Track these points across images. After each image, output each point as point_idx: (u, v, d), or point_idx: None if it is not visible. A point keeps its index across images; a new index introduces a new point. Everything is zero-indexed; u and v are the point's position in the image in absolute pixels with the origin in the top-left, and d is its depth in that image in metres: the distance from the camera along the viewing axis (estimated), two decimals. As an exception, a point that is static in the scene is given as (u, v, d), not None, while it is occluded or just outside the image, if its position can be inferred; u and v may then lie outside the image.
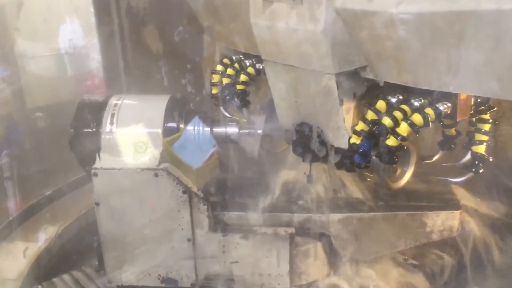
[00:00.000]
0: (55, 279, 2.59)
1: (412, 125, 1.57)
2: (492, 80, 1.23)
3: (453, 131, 1.98)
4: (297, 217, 2.31)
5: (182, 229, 2.30)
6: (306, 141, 1.90)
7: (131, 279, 2.42)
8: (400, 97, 1.65)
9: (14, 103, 4.18)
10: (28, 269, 2.55)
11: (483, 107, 1.84)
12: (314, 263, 2.34)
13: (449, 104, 1.60)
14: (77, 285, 2.55)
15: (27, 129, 4.12)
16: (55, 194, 3.27)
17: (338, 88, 1.64)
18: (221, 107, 2.43)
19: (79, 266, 2.70)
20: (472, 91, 1.36)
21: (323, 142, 1.85)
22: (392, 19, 1.33)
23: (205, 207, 2.28)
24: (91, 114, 2.36)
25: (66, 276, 2.61)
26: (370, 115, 1.68)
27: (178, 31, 2.82)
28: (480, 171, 1.92)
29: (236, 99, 2.30)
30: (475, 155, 1.91)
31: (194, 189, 2.26)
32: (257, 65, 2.22)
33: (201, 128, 2.40)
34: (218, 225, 2.35)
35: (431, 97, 1.61)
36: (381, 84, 1.64)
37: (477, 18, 1.16)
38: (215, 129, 2.42)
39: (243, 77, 2.26)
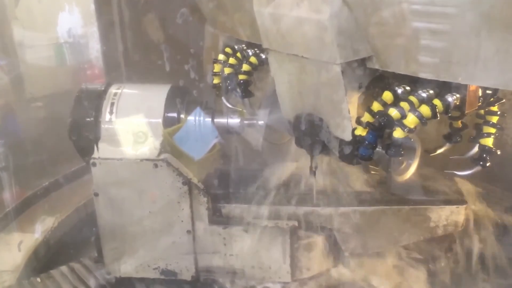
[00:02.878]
0: (53, 271, 2.56)
1: (420, 116, 1.53)
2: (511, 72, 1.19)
3: (459, 123, 1.94)
4: (299, 210, 2.28)
5: (182, 221, 2.26)
6: (312, 133, 1.86)
7: (130, 270, 2.40)
8: (407, 88, 1.61)
9: (13, 92, 4.16)
10: (25, 261, 2.53)
11: (492, 99, 1.80)
12: (316, 257, 2.31)
13: (458, 95, 1.55)
14: (75, 277, 2.52)
15: (26, 119, 4.10)
16: (54, 185, 3.24)
17: (343, 78, 1.59)
18: (223, 98, 2.39)
19: (77, 257, 2.67)
20: (488, 83, 1.32)
21: (329, 135, 1.82)
22: (403, 8, 1.29)
23: (206, 199, 2.25)
24: (90, 103, 2.33)
25: (64, 268, 2.58)
26: (376, 106, 1.64)
27: (179, 20, 2.78)
28: (488, 164, 1.89)
29: (238, 90, 2.26)
30: (483, 148, 1.88)
31: (195, 180, 2.23)
32: (260, 55, 2.17)
33: (202, 118, 2.36)
34: (219, 218, 2.32)
35: (439, 88, 1.57)
36: (388, 74, 1.60)
37: (494, 7, 1.12)
38: (216, 120, 2.38)
39: (245, 67, 2.22)
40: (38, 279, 2.50)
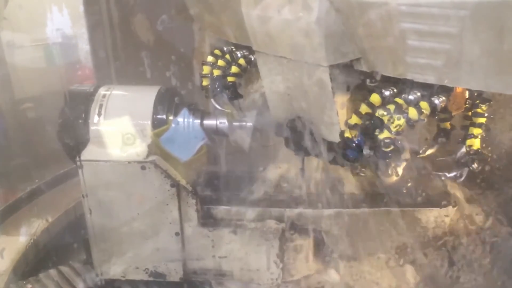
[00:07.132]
0: (41, 275, 2.54)
1: (407, 119, 1.53)
2: (495, 74, 1.19)
3: (447, 124, 1.94)
4: (288, 212, 2.28)
5: (170, 223, 2.26)
6: (300, 136, 1.86)
7: (119, 272, 2.39)
8: (395, 90, 1.61)
9: (2, 93, 4.13)
10: (13, 264, 2.50)
11: (478, 101, 1.80)
12: (305, 258, 2.30)
13: (444, 98, 1.56)
14: (64, 280, 2.50)
15: (16, 120, 4.08)
16: (44, 186, 3.22)
17: (331, 80, 1.59)
18: (211, 99, 2.38)
19: (66, 260, 2.66)
20: (473, 85, 1.32)
21: (316, 137, 1.81)
22: (389, 10, 1.29)
23: (194, 201, 2.24)
24: (79, 105, 2.31)
25: (52, 271, 2.56)
26: (364, 108, 1.64)
27: (168, 21, 2.77)
28: (475, 165, 1.89)
29: (227, 91, 2.25)
30: (469, 149, 1.88)
31: (183, 182, 2.22)
32: (249, 57, 2.16)
33: (191, 120, 2.35)
34: (207, 220, 2.31)
35: (427, 90, 1.57)
36: (376, 77, 1.60)
37: (479, 9, 1.12)
38: (205, 122, 2.37)
39: (234, 69, 2.21)
40: (26, 283, 2.48)
